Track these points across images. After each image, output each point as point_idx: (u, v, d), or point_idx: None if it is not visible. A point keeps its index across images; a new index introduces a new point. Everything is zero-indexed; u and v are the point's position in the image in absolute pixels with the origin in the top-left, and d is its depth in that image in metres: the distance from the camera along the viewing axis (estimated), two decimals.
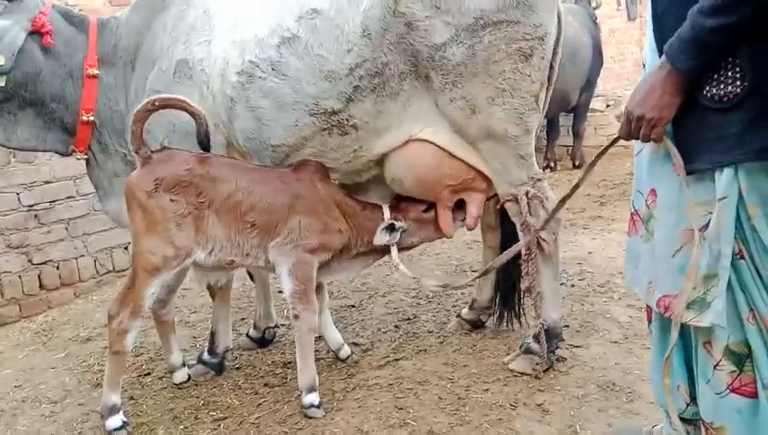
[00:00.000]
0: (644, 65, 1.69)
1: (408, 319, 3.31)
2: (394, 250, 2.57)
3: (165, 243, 2.32)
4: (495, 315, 3.00)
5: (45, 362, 3.29)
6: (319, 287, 2.66)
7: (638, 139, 1.53)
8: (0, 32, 2.50)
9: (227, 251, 2.42)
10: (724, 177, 1.42)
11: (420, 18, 2.33)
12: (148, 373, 3.01)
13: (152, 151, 2.42)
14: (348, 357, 2.86)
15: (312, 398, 2.43)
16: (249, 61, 2.50)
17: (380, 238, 2.53)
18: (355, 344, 3.03)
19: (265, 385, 2.75)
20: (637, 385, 2.43)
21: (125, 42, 2.74)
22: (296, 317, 2.45)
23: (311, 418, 2.39)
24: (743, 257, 1.46)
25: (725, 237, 1.44)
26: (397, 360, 2.83)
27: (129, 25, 2.75)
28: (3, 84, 2.55)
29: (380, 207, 2.62)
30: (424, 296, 3.60)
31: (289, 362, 2.94)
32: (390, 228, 2.56)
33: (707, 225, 1.46)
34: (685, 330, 1.61)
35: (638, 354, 2.66)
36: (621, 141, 1.64)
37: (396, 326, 3.23)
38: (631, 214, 1.74)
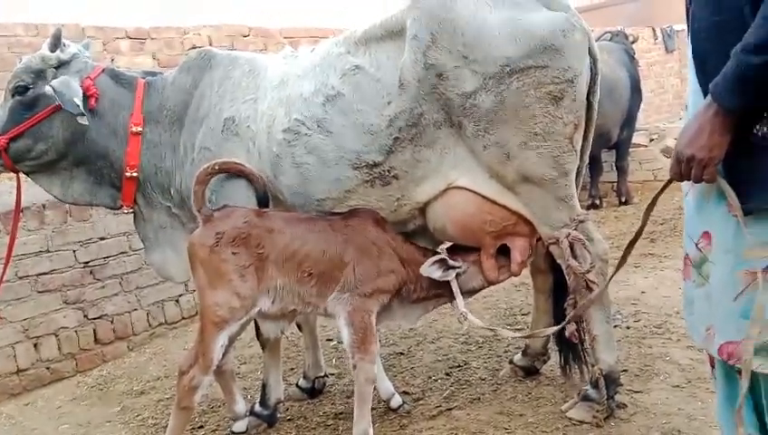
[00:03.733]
0: (686, 106, 1.67)
1: (459, 366, 3.25)
2: (459, 299, 2.52)
3: (230, 295, 2.38)
4: (560, 359, 2.88)
5: (102, 417, 3.34)
6: None
7: (689, 179, 1.50)
8: (65, 83, 2.64)
9: (288, 300, 2.46)
10: None
11: (449, 69, 2.37)
12: (201, 426, 3.03)
13: (213, 210, 2.50)
14: (399, 407, 2.82)
15: None
16: (295, 119, 2.58)
17: (428, 270, 2.49)
18: (406, 393, 2.99)
19: None
20: (703, 432, 2.32)
21: (172, 101, 2.84)
22: (354, 367, 2.45)
23: None
24: None
25: None
26: (450, 409, 2.78)
27: (176, 85, 2.86)
28: (87, 123, 2.67)
29: (438, 253, 2.60)
30: (474, 342, 3.54)
31: (340, 413, 2.92)
32: (443, 264, 2.52)
33: None
34: (751, 376, 1.55)
35: (703, 399, 2.55)
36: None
37: (447, 374, 3.18)
38: (684, 258, 1.70)
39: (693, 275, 1.62)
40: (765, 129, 1.38)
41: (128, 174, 2.81)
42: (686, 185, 1.61)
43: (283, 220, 2.52)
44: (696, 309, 1.63)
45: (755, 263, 1.42)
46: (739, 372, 1.49)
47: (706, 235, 1.56)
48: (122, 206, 2.94)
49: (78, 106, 2.60)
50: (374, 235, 2.53)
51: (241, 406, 2.82)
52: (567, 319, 2.43)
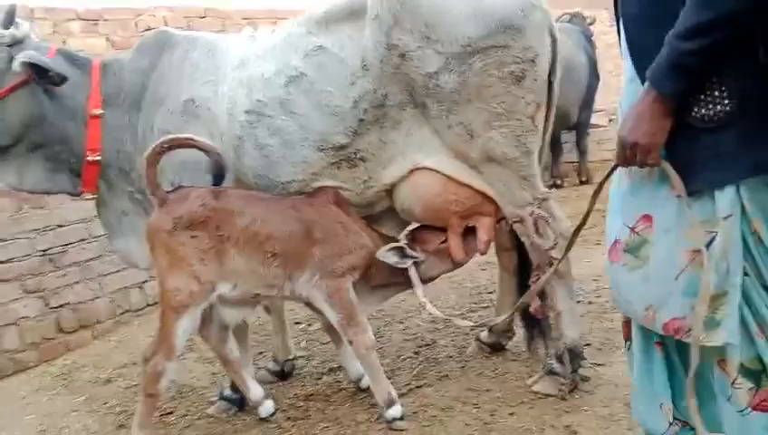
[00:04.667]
0: (622, 92, 1.68)
1: (427, 344, 3.31)
2: (418, 288, 2.56)
3: (189, 279, 2.35)
4: (525, 335, 2.96)
5: (68, 406, 3.29)
6: None
7: (635, 165, 1.54)
8: (35, 56, 2.54)
9: (252, 284, 2.44)
10: (725, 195, 1.43)
11: (412, 49, 2.38)
12: (171, 412, 3.01)
13: (168, 191, 2.45)
14: (369, 387, 2.85)
15: (394, 411, 2.48)
16: (257, 100, 2.55)
17: (385, 255, 2.52)
18: None
19: (288, 419, 2.75)
20: None
21: (129, 83, 2.75)
22: (351, 343, 2.50)
23: (399, 431, 2.46)
24: (746, 274, 1.46)
25: (734, 255, 1.44)
26: (419, 387, 2.83)
27: (133, 66, 2.77)
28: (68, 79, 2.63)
29: (398, 241, 2.61)
30: (441, 321, 3.59)
31: (310, 395, 2.94)
32: (400, 252, 2.55)
33: (710, 244, 1.46)
34: (671, 348, 1.63)
35: None
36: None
37: (415, 353, 3.23)
38: (613, 242, 1.67)
39: (624, 258, 1.63)
40: (703, 111, 1.43)
41: (89, 158, 2.72)
42: (617, 173, 1.65)
43: (242, 200, 2.48)
44: (623, 290, 1.65)
45: (696, 241, 1.46)
46: (680, 345, 1.58)
47: (647, 217, 1.58)
48: (83, 192, 2.86)
49: (60, 71, 2.53)
50: (337, 213, 2.54)
51: (256, 391, 2.74)
52: (515, 306, 2.51)
